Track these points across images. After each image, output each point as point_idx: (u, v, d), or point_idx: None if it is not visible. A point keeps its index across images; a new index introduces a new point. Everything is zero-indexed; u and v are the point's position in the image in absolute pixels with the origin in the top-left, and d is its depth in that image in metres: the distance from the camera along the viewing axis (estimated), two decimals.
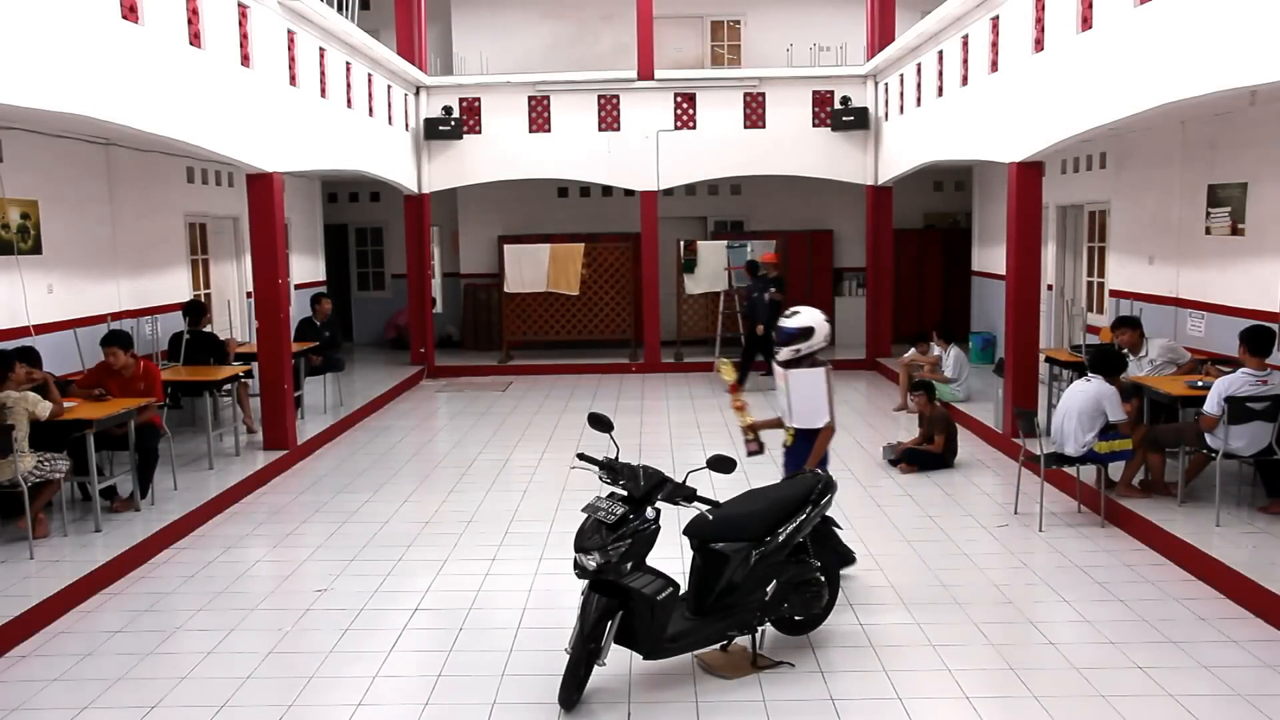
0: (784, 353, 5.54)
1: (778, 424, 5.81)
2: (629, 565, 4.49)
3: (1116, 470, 7.74)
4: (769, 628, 5.08)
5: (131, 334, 8.07)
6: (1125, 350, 8.36)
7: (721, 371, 6.01)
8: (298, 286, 13.91)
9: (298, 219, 14.45)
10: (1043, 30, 8.73)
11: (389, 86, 13.41)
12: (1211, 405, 6.72)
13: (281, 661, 5.19)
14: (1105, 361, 7.27)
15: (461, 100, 15.00)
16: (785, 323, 5.59)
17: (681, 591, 4.80)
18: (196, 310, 9.94)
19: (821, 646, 5.19)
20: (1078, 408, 7.04)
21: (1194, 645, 5.18)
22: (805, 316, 5.61)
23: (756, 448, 5.74)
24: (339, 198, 17.95)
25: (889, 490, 8.27)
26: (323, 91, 10.72)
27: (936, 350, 11.71)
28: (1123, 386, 8.06)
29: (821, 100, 14.92)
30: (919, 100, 12.53)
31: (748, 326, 13.73)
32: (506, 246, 15.39)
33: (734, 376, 6.00)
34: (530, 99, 14.94)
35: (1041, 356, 9.98)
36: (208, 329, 10.10)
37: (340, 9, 11.62)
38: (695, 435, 10.62)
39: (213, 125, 8.21)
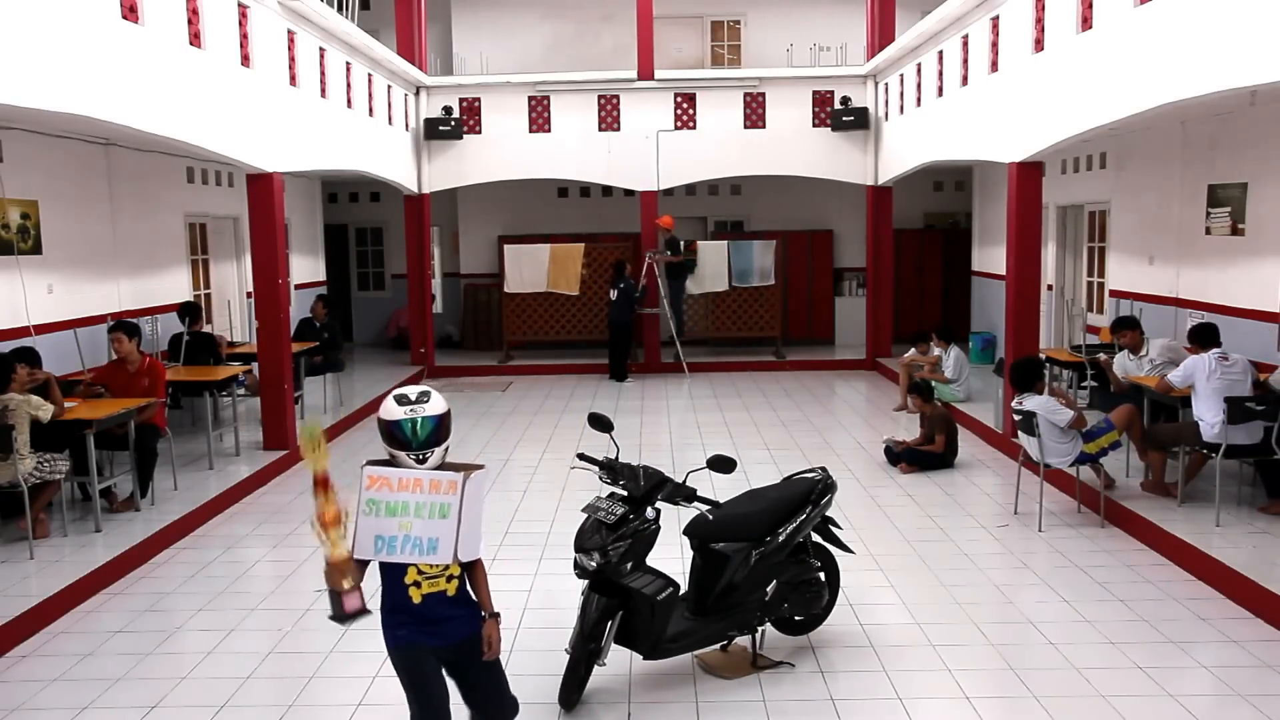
0: (434, 456, 3.42)
1: (359, 567, 3.43)
2: (629, 565, 4.49)
3: (1118, 470, 7.76)
4: (769, 628, 5.08)
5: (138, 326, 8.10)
6: (1125, 349, 8.37)
7: (304, 448, 3.36)
8: (298, 286, 13.92)
9: (298, 219, 14.46)
10: (1043, 30, 8.73)
11: (389, 86, 13.41)
12: (1177, 376, 7.09)
13: (281, 661, 5.20)
14: (1025, 376, 7.28)
15: (461, 100, 15.00)
16: (421, 410, 3.40)
17: (681, 591, 4.80)
18: (193, 312, 9.94)
19: (821, 646, 5.19)
20: (1042, 432, 7.04)
21: (1194, 645, 5.18)
22: (437, 399, 3.47)
23: (360, 603, 3.37)
24: (339, 198, 17.96)
25: (889, 490, 8.27)
26: (323, 92, 10.72)
27: (936, 350, 11.71)
28: (1124, 387, 8.09)
29: (821, 100, 14.92)
30: (919, 100, 12.53)
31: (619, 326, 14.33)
32: (506, 246, 15.39)
33: (323, 460, 3.37)
34: (530, 99, 14.94)
35: (1041, 357, 9.97)
36: (206, 330, 10.11)
37: (340, 9, 11.62)
38: (695, 435, 10.62)
39: (213, 125, 8.20)
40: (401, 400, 3.42)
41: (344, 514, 3.35)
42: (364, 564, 3.43)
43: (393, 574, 3.46)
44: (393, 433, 3.39)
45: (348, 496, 3.41)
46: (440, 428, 3.41)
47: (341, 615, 3.35)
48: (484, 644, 3.55)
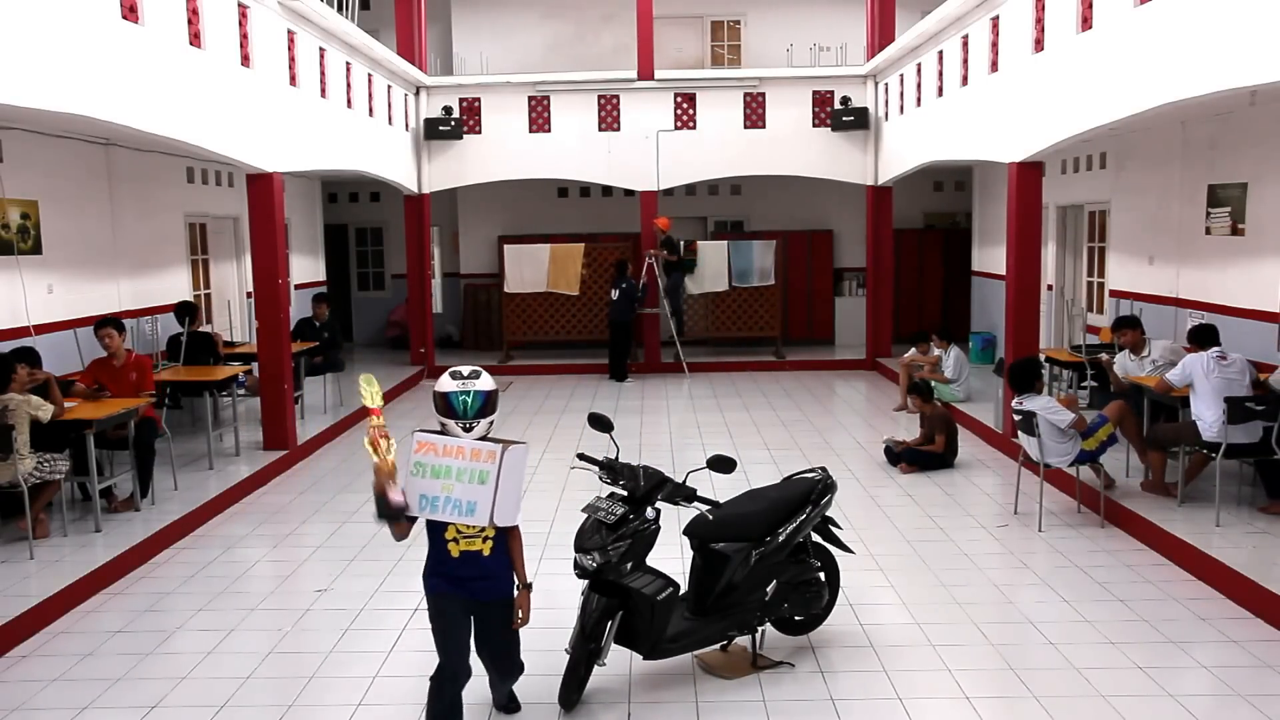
0: (480, 426, 3.87)
1: (407, 523, 3.84)
2: (629, 565, 4.49)
3: (1118, 470, 7.76)
4: (769, 628, 5.08)
5: (128, 329, 8.12)
6: (1125, 349, 8.37)
7: (364, 391, 3.86)
8: (298, 286, 13.92)
9: (298, 219, 14.46)
10: (1043, 30, 8.73)
11: (389, 86, 13.41)
12: (1175, 375, 7.09)
13: (281, 661, 5.20)
14: (1023, 377, 7.29)
15: (461, 100, 15.00)
16: (471, 385, 3.87)
17: (681, 591, 4.80)
18: (191, 311, 9.94)
19: (821, 646, 5.19)
20: (1043, 433, 7.05)
21: (1194, 645, 5.18)
22: (487, 377, 3.95)
23: (403, 499, 3.73)
24: (339, 198, 17.95)
25: (889, 490, 8.27)
26: (323, 92, 10.72)
27: (936, 350, 11.71)
28: (1124, 387, 8.09)
29: (821, 100, 14.92)
30: (919, 100, 12.53)
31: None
32: (506, 246, 15.39)
33: (378, 398, 3.88)
34: (530, 99, 14.94)
35: (1041, 357, 9.97)
36: (204, 329, 10.12)
37: (340, 9, 11.62)
38: (695, 435, 10.62)
39: (213, 125, 8.20)
40: (455, 376, 3.92)
41: (390, 439, 3.79)
42: (412, 520, 3.84)
43: (436, 530, 3.94)
44: (445, 404, 3.86)
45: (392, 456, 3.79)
46: (488, 402, 3.88)
47: (387, 511, 3.71)
48: (515, 612, 4.04)
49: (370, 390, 3.84)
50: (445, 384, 3.88)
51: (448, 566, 3.93)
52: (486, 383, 3.90)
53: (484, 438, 3.85)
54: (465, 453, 3.76)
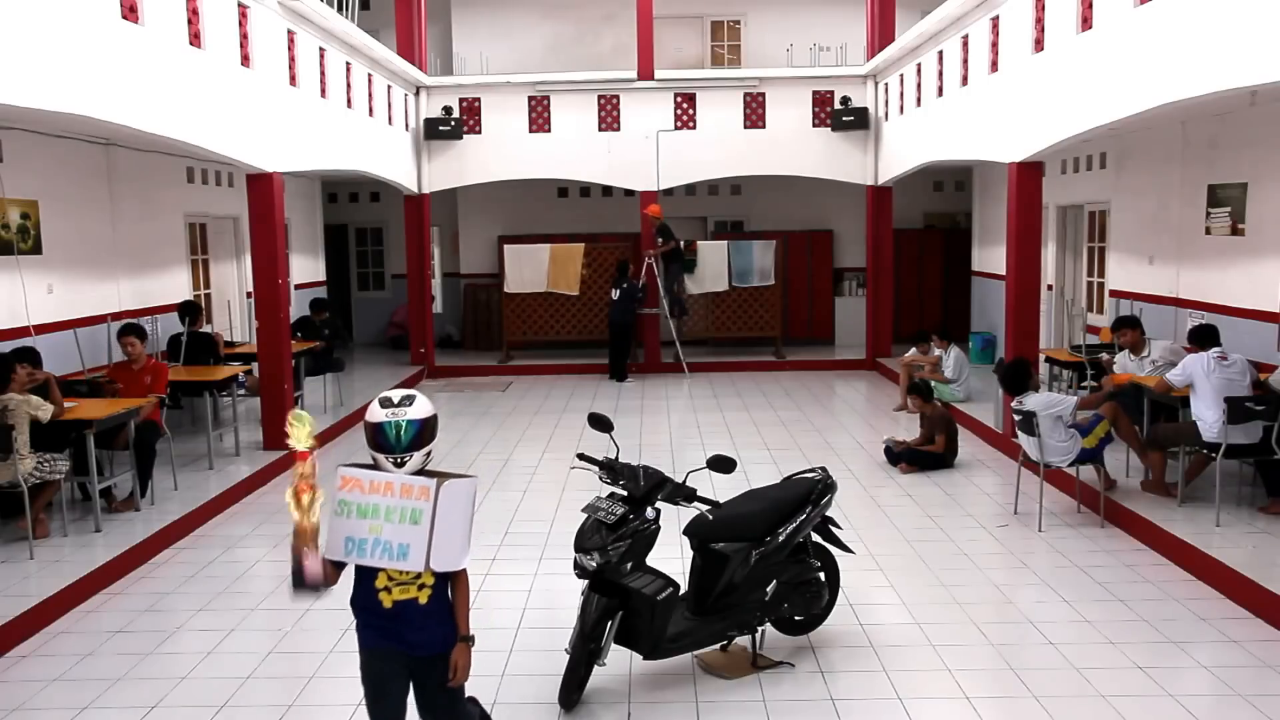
0: (414, 459, 3.35)
1: (335, 568, 3.48)
2: (629, 565, 4.49)
3: (1118, 469, 7.76)
4: (769, 628, 5.08)
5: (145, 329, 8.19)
6: (1125, 349, 8.37)
7: (292, 432, 3.36)
8: (298, 286, 13.92)
9: (298, 219, 14.46)
10: (1043, 30, 8.73)
11: (389, 86, 13.41)
12: (1176, 375, 7.06)
13: (281, 661, 5.20)
14: (1016, 380, 7.34)
15: (461, 100, 15.00)
16: (404, 413, 3.35)
17: (681, 591, 4.80)
18: (193, 311, 9.95)
19: (821, 646, 5.19)
20: (1044, 432, 7.06)
21: (1194, 645, 5.18)
22: (422, 402, 3.41)
23: (320, 575, 3.45)
24: (339, 198, 17.96)
25: (889, 490, 8.27)
26: (323, 92, 10.72)
27: (937, 350, 11.71)
28: (1125, 387, 8.08)
29: (821, 100, 14.92)
30: (919, 100, 12.53)
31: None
32: (506, 246, 15.40)
33: (306, 438, 3.35)
34: (530, 99, 14.94)
35: (1041, 357, 9.98)
36: (205, 329, 10.13)
37: (340, 9, 11.62)
38: (695, 435, 10.62)
39: (213, 125, 8.20)
40: (385, 403, 3.38)
41: (318, 489, 3.32)
42: (340, 566, 3.41)
43: (365, 577, 3.46)
44: (375, 435, 3.35)
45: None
46: (422, 432, 3.35)
47: (301, 584, 3.36)
48: (449, 669, 3.46)
49: (300, 431, 3.30)
50: (374, 413, 3.35)
51: (380, 619, 3.45)
52: (421, 409, 3.36)
53: (421, 471, 3.34)
54: (395, 489, 3.26)
